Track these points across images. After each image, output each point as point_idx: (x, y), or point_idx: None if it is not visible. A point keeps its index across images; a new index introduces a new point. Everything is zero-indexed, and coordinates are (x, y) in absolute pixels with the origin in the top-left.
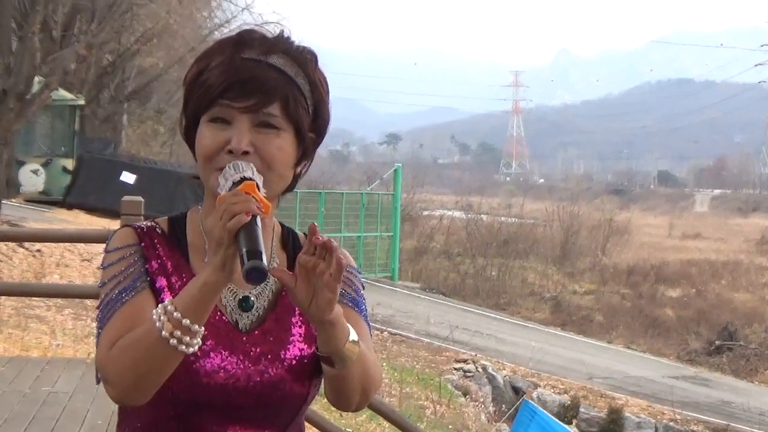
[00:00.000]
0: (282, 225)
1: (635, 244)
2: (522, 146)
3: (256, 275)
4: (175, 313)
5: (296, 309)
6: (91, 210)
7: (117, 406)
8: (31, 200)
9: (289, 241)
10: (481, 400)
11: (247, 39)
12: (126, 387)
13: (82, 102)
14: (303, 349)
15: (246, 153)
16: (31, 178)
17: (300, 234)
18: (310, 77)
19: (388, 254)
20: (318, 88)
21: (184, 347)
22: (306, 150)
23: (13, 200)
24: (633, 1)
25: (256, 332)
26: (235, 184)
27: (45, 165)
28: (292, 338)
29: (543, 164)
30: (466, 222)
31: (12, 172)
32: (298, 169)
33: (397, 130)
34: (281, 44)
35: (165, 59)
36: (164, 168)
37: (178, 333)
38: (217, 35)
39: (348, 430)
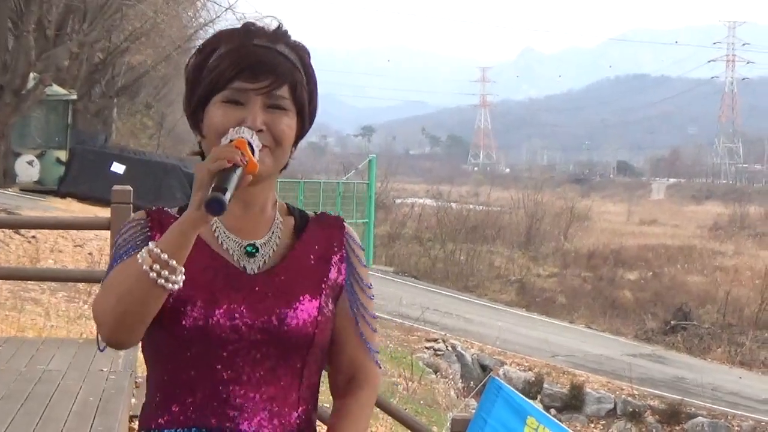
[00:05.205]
0: (285, 203)
1: (595, 230)
2: (489, 138)
3: (215, 205)
4: (155, 249)
5: (305, 262)
6: (83, 199)
7: (124, 385)
8: (27, 189)
9: (296, 212)
10: (451, 376)
11: (254, 29)
12: (113, 323)
13: (74, 97)
14: (309, 296)
15: (260, 131)
16: (27, 168)
17: (309, 212)
18: (306, 69)
19: (363, 240)
20: (312, 80)
21: (163, 281)
22: (302, 133)
23: (10, 189)
24: (593, 1)
25: (263, 276)
26: (232, 141)
27: (40, 156)
28: (298, 284)
29: (509, 155)
30: (437, 209)
31: (8, 162)
32: (294, 150)
33: (372, 123)
34: (283, 37)
35: (153, 57)
36: (152, 159)
37: (157, 267)
38: (202, 34)
39: (325, 405)
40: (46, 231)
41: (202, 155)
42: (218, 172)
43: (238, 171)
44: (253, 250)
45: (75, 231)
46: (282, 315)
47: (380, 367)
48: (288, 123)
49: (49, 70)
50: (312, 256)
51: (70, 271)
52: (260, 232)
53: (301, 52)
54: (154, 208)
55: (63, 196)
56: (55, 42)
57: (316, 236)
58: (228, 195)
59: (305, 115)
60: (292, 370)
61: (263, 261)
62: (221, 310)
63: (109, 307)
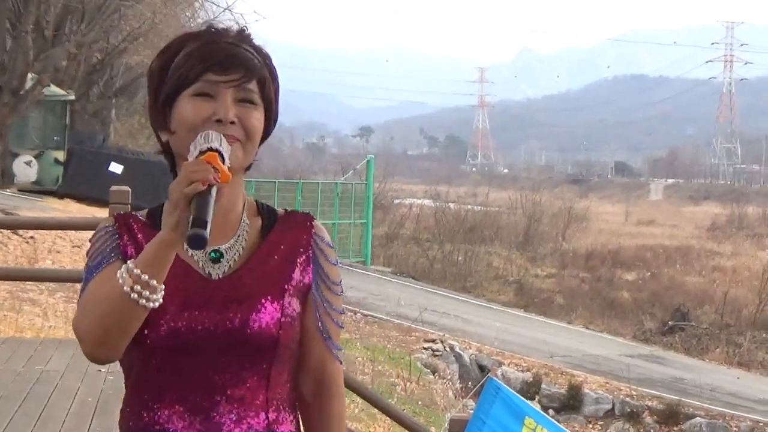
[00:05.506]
0: (256, 201)
1: (593, 231)
2: (487, 138)
3: (196, 241)
4: (135, 270)
5: (269, 264)
6: (81, 199)
7: (122, 385)
8: (25, 190)
9: (265, 211)
10: (449, 377)
11: (218, 30)
12: (94, 341)
13: (72, 97)
14: (271, 298)
15: (233, 123)
16: (25, 169)
17: (279, 210)
18: (270, 69)
19: (361, 240)
20: (276, 81)
21: (144, 301)
22: (266, 133)
23: (8, 190)
24: (591, 1)
25: (227, 280)
26: (202, 153)
27: (38, 157)
28: (261, 288)
29: (507, 155)
30: (435, 210)
31: (6, 163)
32: (257, 151)
33: (370, 124)
34: (247, 38)
35: (151, 57)
36: (150, 159)
37: (138, 287)
38: None
39: None
40: (44, 231)
41: (170, 154)
42: (194, 196)
43: (214, 191)
44: (218, 256)
45: (73, 231)
46: (244, 319)
47: (342, 363)
48: (258, 117)
49: (47, 70)
50: (276, 257)
51: (68, 271)
52: (227, 235)
53: (264, 55)
54: (121, 212)
55: (61, 196)
56: (53, 42)
57: (283, 236)
58: (208, 228)
59: (271, 113)
60: (258, 372)
61: (228, 266)
62: (185, 318)
63: (91, 326)
